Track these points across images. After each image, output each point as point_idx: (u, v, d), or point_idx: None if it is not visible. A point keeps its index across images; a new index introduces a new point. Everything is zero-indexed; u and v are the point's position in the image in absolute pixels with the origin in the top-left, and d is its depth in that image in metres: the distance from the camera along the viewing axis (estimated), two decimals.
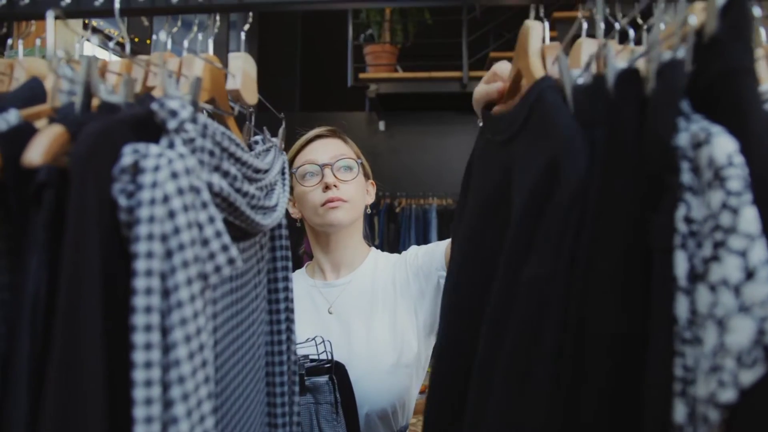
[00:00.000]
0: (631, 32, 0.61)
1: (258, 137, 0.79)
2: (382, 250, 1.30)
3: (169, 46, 0.68)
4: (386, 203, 4.46)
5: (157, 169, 0.46)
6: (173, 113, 0.49)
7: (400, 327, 1.14)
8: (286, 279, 0.78)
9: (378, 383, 1.08)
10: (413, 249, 1.24)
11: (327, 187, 1.13)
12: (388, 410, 1.09)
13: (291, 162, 1.19)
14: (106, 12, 0.67)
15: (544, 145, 0.52)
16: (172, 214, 0.46)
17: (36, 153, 0.45)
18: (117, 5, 0.66)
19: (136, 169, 0.46)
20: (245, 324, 0.65)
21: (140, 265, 0.44)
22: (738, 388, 0.39)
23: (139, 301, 0.44)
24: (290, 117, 0.77)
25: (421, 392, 2.31)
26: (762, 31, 0.62)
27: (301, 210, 1.20)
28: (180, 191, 0.46)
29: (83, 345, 0.41)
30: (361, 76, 4.52)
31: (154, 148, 0.47)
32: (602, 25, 0.57)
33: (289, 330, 0.77)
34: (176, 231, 0.46)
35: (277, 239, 0.78)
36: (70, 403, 0.40)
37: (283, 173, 0.77)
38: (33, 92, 0.61)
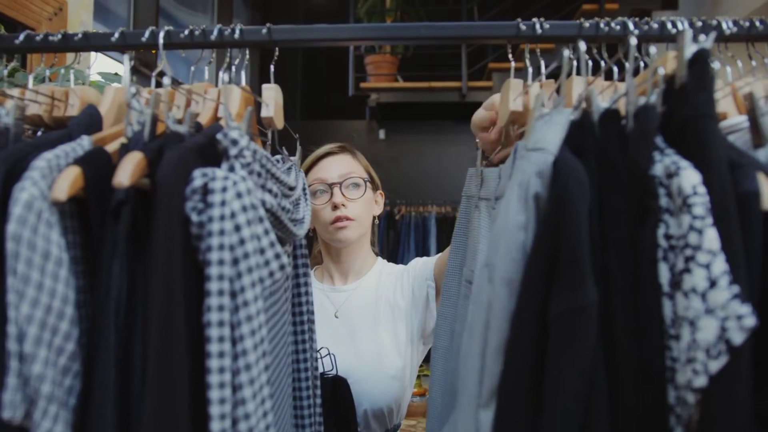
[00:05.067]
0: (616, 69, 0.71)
1: (278, 156, 0.88)
2: (381, 257, 1.38)
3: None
4: (386, 211, 4.46)
5: (224, 190, 0.54)
6: (234, 142, 0.58)
7: (400, 333, 1.23)
8: (307, 284, 0.86)
9: (380, 384, 1.16)
10: (415, 261, 1.32)
11: (335, 207, 1.20)
12: (385, 410, 1.17)
13: None
14: (150, 46, 0.76)
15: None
16: (238, 228, 0.54)
17: (125, 175, 0.53)
18: (161, 41, 0.75)
19: (205, 190, 0.55)
20: (279, 324, 0.73)
21: (213, 270, 0.53)
22: (708, 375, 0.48)
23: (213, 300, 0.52)
24: (292, 125, 0.84)
25: (420, 395, 2.39)
26: (728, 70, 0.74)
27: (313, 223, 1.28)
28: (244, 208, 0.55)
29: (175, 334, 0.49)
30: (362, 85, 4.58)
31: (220, 172, 0.55)
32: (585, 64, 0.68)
33: (311, 330, 0.85)
34: (242, 242, 0.54)
35: (298, 248, 0.86)
36: (165, 379, 0.48)
37: (304, 190, 0.85)
38: (92, 119, 0.69)
